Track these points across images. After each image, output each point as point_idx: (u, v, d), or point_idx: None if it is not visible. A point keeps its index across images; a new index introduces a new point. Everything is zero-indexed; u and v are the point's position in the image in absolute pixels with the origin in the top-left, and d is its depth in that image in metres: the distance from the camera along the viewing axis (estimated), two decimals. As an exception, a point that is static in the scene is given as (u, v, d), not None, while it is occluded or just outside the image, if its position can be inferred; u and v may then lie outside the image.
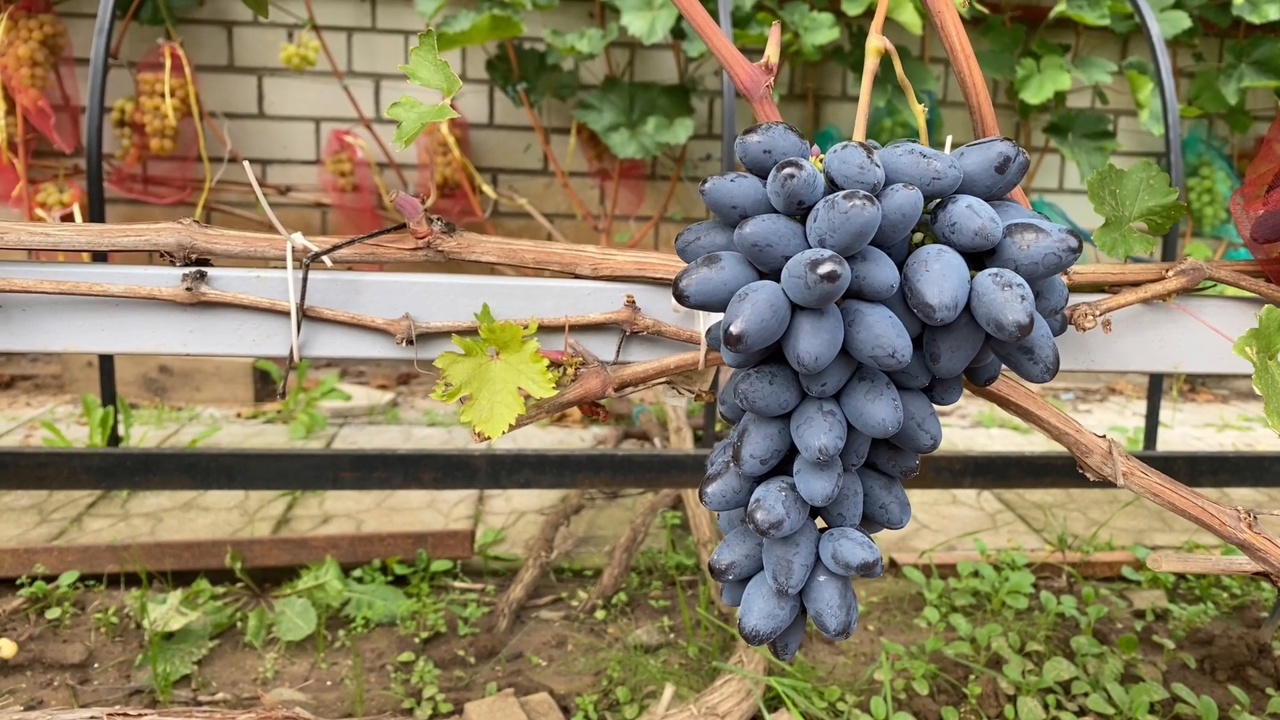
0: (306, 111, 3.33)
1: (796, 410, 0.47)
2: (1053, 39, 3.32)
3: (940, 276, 0.44)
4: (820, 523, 0.53)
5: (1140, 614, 1.79)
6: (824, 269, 0.40)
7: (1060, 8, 2.97)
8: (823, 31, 2.82)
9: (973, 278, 0.46)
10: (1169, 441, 3.10)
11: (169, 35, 2.96)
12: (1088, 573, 1.96)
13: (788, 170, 0.44)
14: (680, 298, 0.46)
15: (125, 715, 1.13)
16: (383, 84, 3.33)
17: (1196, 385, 3.96)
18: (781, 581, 0.48)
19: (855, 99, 3.27)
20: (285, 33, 3.28)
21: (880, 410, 0.45)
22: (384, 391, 3.34)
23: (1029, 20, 3.30)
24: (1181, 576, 1.95)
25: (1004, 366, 0.61)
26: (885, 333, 0.43)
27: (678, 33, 2.95)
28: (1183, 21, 2.95)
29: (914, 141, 0.51)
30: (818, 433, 0.45)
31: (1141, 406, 3.59)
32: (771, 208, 0.47)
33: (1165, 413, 3.50)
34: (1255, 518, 0.75)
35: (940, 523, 2.26)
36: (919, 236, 0.49)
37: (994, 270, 0.45)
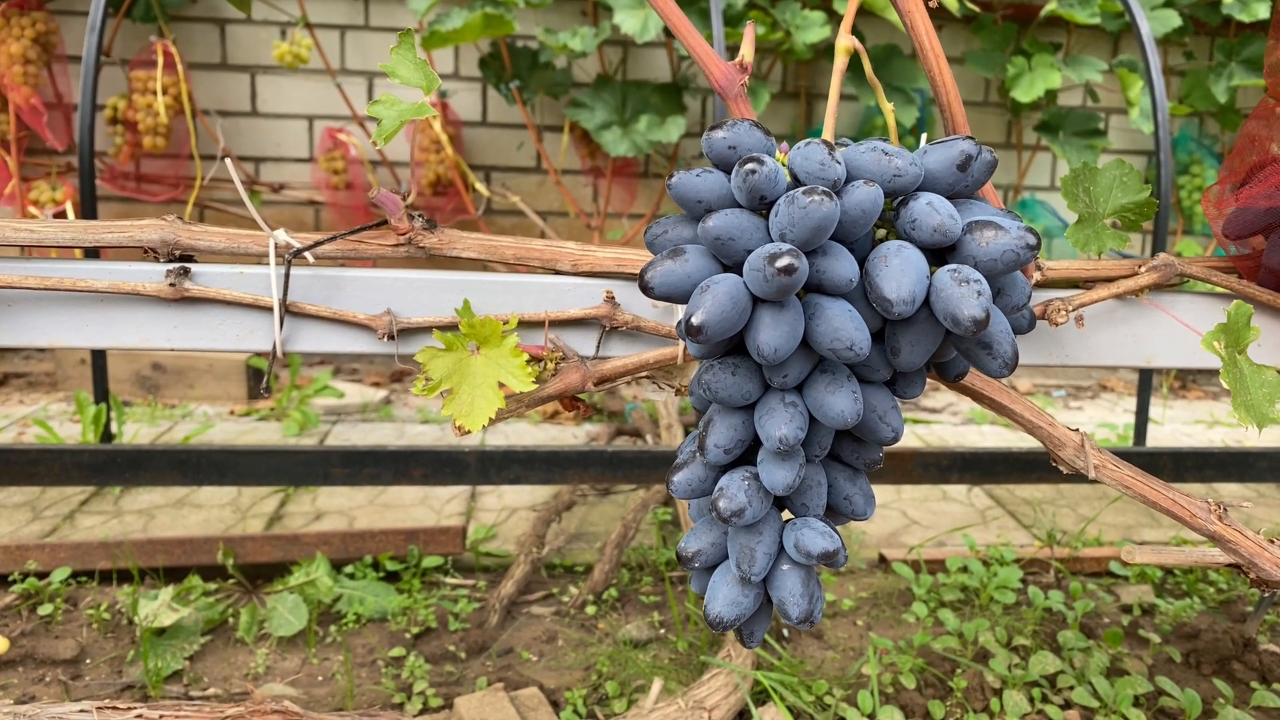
0: (299, 109, 3.34)
1: (759, 401, 0.48)
2: (1044, 37, 3.33)
3: (899, 271, 0.45)
4: (788, 514, 0.54)
5: (1127, 609, 1.80)
6: (781, 262, 0.41)
7: (1051, 6, 2.98)
8: (814, 30, 2.83)
9: (933, 274, 0.47)
10: (1159, 438, 3.12)
11: (162, 33, 2.96)
12: (1076, 568, 1.97)
13: (749, 166, 0.45)
14: (645, 289, 0.47)
15: (116, 710, 1.14)
16: (376, 82, 3.34)
17: (1187, 382, 3.97)
18: (745, 569, 0.49)
19: (847, 98, 3.28)
20: (278, 30, 3.28)
21: (840, 402, 0.46)
22: (377, 389, 3.34)
23: (1020, 19, 3.32)
24: (1169, 572, 1.96)
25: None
26: (844, 326, 0.45)
27: (670, 31, 2.95)
28: (1173, 20, 2.96)
29: (886, 139, 0.52)
30: (779, 423, 0.46)
31: (1133, 403, 3.61)
32: (735, 202, 0.48)
33: (1156, 410, 3.52)
34: (1226, 510, 0.76)
35: (930, 518, 2.28)
36: (882, 232, 0.50)
37: (953, 266, 0.46)
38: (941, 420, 3.28)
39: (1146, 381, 2.39)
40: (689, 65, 3.26)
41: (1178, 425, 3.31)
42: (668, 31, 2.96)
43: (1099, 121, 3.16)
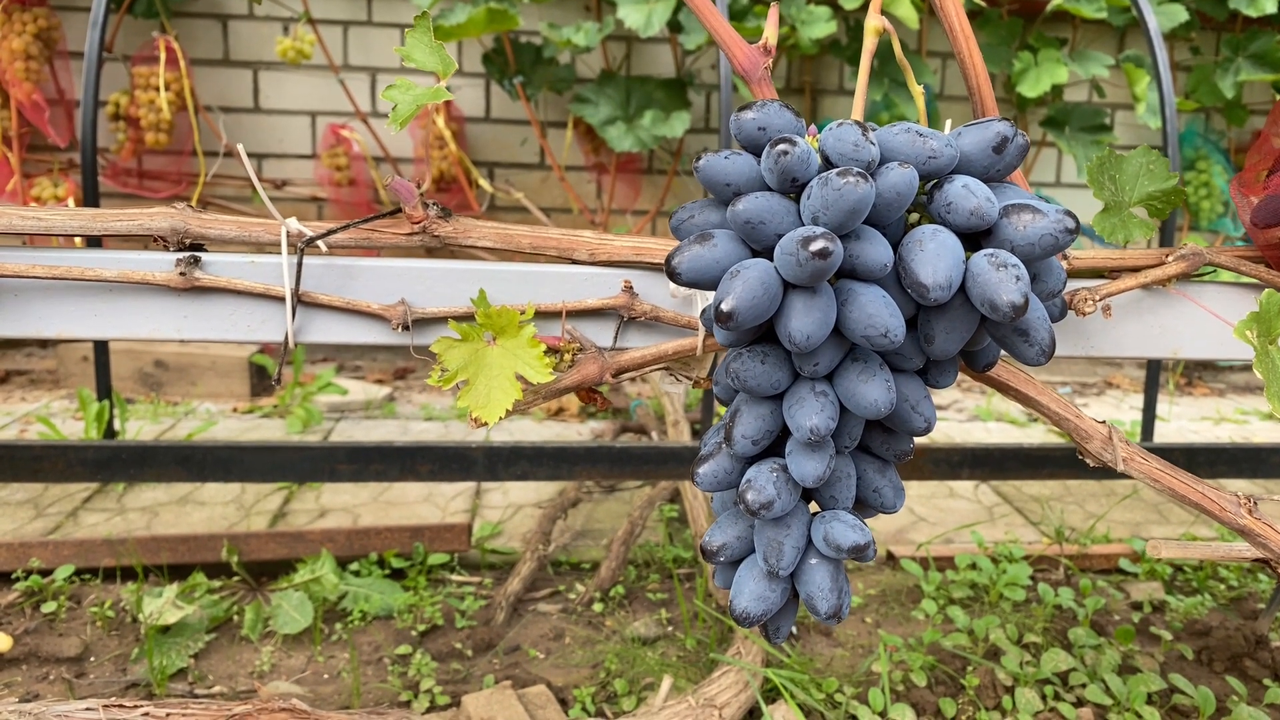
0: (302, 105, 3.32)
1: (789, 390, 0.47)
2: (1050, 32, 3.31)
3: (934, 256, 0.43)
4: (814, 506, 0.53)
5: (1137, 606, 1.79)
6: (816, 246, 0.40)
7: (1057, 1, 2.96)
8: (819, 25, 2.81)
9: (968, 258, 0.46)
10: (1165, 434, 3.10)
11: (164, 29, 2.95)
12: (1085, 565, 1.96)
13: (781, 147, 0.44)
14: (672, 275, 0.45)
15: (122, 708, 1.13)
16: (379, 78, 3.33)
17: (1193, 379, 3.96)
18: (772, 563, 0.48)
19: (852, 93, 3.26)
20: (281, 26, 3.27)
21: (873, 391, 0.45)
22: (380, 386, 3.33)
23: (1026, 13, 3.30)
24: (1179, 568, 1.95)
25: (1003, 353, 0.61)
26: (878, 312, 0.43)
27: (674, 26, 2.94)
28: (1180, 15, 2.94)
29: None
30: (809, 413, 0.44)
31: (1138, 400, 3.59)
32: (766, 185, 0.46)
33: (1162, 406, 3.50)
34: (1256, 503, 0.75)
35: (938, 515, 2.26)
36: (915, 216, 0.49)
37: (989, 251, 0.45)
38: (947, 417, 3.26)
39: (1154, 377, 2.37)
40: (693, 60, 3.25)
41: (1184, 422, 3.30)
42: (671, 26, 2.94)
43: (1105, 117, 3.15)
